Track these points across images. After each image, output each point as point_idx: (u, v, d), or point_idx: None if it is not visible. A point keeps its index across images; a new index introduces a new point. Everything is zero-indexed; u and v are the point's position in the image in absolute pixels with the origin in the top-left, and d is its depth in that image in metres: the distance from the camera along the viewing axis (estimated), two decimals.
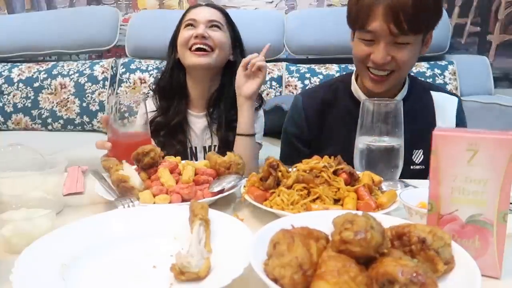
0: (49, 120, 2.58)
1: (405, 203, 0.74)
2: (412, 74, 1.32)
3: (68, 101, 2.57)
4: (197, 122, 1.43)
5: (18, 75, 2.63)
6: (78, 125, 2.58)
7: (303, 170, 0.84)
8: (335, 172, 0.85)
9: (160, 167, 0.90)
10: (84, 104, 2.56)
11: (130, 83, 2.58)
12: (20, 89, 2.61)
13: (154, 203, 0.82)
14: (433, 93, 1.28)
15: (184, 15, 1.43)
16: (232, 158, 0.94)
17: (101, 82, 2.57)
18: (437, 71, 2.46)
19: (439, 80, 2.43)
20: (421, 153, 1.20)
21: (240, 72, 1.27)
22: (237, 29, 1.44)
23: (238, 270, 0.53)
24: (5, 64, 2.72)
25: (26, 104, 2.60)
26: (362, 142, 0.96)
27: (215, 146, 1.41)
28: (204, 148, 1.42)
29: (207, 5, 1.43)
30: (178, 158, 0.98)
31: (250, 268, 0.50)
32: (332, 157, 0.90)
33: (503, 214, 0.57)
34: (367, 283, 0.46)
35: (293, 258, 0.47)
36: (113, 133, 1.09)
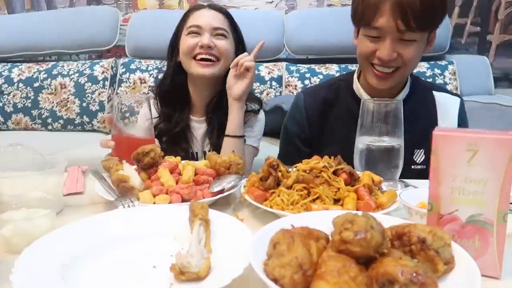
0: (49, 120, 2.58)
1: (405, 203, 0.74)
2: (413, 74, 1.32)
3: (68, 101, 2.57)
4: (198, 127, 1.42)
5: (18, 75, 2.63)
6: (78, 125, 2.58)
7: (303, 170, 0.84)
8: (335, 172, 0.85)
9: (160, 167, 0.90)
10: (84, 104, 2.56)
11: (130, 83, 2.58)
12: (20, 89, 2.61)
13: (154, 203, 0.82)
14: (435, 93, 1.28)
15: (185, 17, 1.38)
16: (232, 158, 0.94)
17: (101, 82, 2.57)
18: (437, 71, 2.46)
19: (439, 80, 2.43)
20: (423, 153, 1.20)
21: (230, 73, 1.26)
22: (240, 31, 1.41)
23: (238, 270, 0.53)
24: (5, 64, 2.73)
25: (26, 104, 2.60)
26: (362, 142, 0.96)
27: None
28: (204, 153, 1.41)
29: (210, 6, 1.38)
30: (178, 158, 0.98)
31: (250, 268, 0.50)
32: (332, 157, 0.90)
33: (503, 214, 0.57)
34: (367, 283, 0.46)
35: (293, 258, 0.47)
36: (117, 132, 1.10)
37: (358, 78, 1.26)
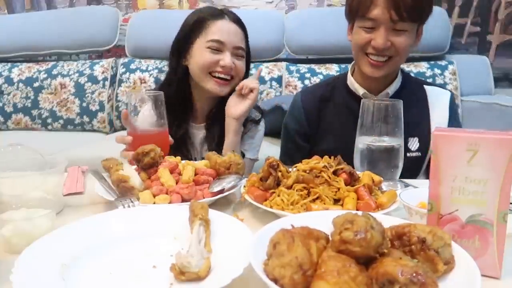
0: (49, 120, 2.58)
1: (405, 203, 0.74)
2: (412, 74, 1.34)
3: (68, 101, 2.57)
4: (198, 134, 1.41)
5: (18, 75, 2.64)
6: (78, 125, 2.58)
7: (303, 170, 0.84)
8: (335, 172, 0.85)
9: (160, 167, 0.90)
10: (84, 104, 2.56)
11: (130, 83, 2.58)
12: (20, 89, 2.61)
13: (154, 203, 0.82)
14: (426, 87, 1.35)
15: (202, 24, 1.30)
16: (232, 158, 0.94)
17: (101, 82, 2.57)
18: (437, 71, 2.46)
19: (439, 80, 2.43)
20: (417, 140, 1.25)
21: (233, 94, 1.29)
22: (249, 45, 1.38)
23: (238, 270, 0.53)
24: (5, 64, 2.73)
25: (26, 104, 2.60)
26: (362, 142, 0.96)
27: None
28: (203, 159, 1.40)
29: (227, 14, 1.33)
30: (178, 158, 0.98)
31: (250, 268, 0.50)
32: (332, 157, 0.90)
33: (503, 214, 0.57)
34: (367, 283, 0.46)
35: (293, 258, 0.47)
36: (132, 128, 1.12)
37: (352, 73, 1.33)
